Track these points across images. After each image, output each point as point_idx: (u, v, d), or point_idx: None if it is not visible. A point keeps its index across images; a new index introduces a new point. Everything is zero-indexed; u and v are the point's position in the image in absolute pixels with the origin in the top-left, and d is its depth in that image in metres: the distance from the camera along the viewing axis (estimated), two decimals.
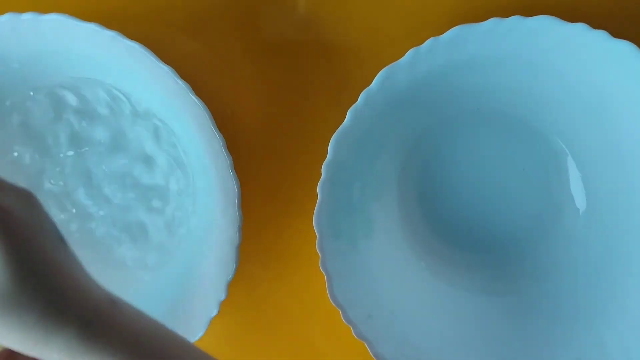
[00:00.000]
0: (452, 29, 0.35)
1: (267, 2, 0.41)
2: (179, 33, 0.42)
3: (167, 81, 0.35)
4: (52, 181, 0.43)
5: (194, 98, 0.35)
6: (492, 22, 0.35)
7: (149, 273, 0.43)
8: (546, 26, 0.35)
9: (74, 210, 0.43)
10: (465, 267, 0.42)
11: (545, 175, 0.42)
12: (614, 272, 0.40)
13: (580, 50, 0.36)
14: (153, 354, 0.26)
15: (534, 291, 0.41)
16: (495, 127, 0.41)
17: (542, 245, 0.42)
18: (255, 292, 0.44)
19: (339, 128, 0.36)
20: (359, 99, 0.36)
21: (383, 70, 0.36)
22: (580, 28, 0.35)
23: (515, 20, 0.35)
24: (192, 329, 0.38)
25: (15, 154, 0.43)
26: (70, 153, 0.43)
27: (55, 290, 0.24)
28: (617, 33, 0.35)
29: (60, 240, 0.26)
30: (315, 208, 0.37)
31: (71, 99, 0.41)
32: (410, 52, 0.35)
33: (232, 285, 0.37)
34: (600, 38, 0.35)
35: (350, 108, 0.36)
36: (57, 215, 0.43)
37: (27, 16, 0.36)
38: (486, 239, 0.42)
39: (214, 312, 0.38)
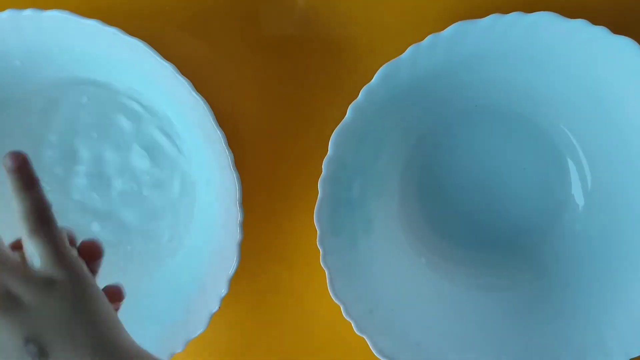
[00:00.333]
0: (453, 24, 0.35)
1: None
2: (179, 30, 0.42)
3: (168, 78, 0.35)
4: (55, 170, 0.43)
5: (194, 94, 0.35)
6: (492, 18, 0.35)
7: (150, 269, 0.43)
8: (546, 22, 0.35)
9: (75, 198, 0.43)
10: (465, 263, 0.42)
11: (546, 171, 0.42)
12: (614, 268, 0.40)
13: (581, 46, 0.36)
14: None
15: (534, 287, 0.42)
16: (495, 122, 0.41)
17: (542, 242, 0.42)
18: (256, 288, 0.44)
19: (340, 124, 0.36)
20: (359, 95, 0.36)
21: (384, 66, 0.36)
22: (580, 24, 0.35)
23: (515, 16, 0.35)
24: (194, 325, 0.39)
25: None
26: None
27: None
28: (617, 29, 0.35)
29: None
30: (316, 204, 0.37)
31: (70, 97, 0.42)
32: (410, 48, 0.35)
33: (233, 281, 0.38)
34: (600, 34, 0.35)
35: (351, 104, 0.36)
36: (63, 202, 0.43)
37: (28, 12, 0.36)
38: (486, 235, 0.42)
39: (215, 308, 0.38)
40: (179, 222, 0.43)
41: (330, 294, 0.37)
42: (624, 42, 0.35)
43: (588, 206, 0.41)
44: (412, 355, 0.39)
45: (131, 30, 0.35)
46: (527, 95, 0.40)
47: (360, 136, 0.38)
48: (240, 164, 0.37)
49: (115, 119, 0.42)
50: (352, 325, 0.38)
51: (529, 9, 0.35)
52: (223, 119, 0.36)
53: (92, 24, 0.35)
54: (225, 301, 0.38)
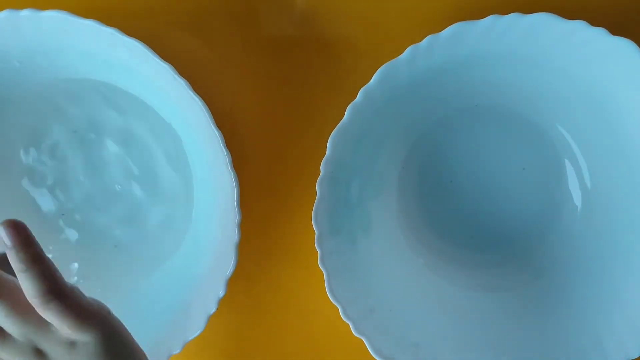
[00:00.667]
0: (451, 25, 0.35)
1: None
2: (177, 30, 0.42)
3: (166, 78, 0.35)
4: (55, 170, 0.43)
5: (192, 95, 0.35)
6: (491, 19, 0.35)
7: (148, 271, 0.43)
8: (545, 23, 0.35)
9: (76, 201, 0.43)
10: (463, 264, 0.42)
11: (544, 171, 0.42)
12: (612, 269, 0.40)
13: (580, 47, 0.36)
14: None
15: (532, 288, 0.42)
16: (494, 123, 0.41)
17: (540, 242, 0.42)
18: (254, 289, 0.44)
19: (338, 125, 0.36)
20: (357, 96, 0.36)
21: (382, 67, 0.36)
22: (579, 25, 0.35)
23: (514, 17, 0.35)
24: (191, 326, 0.38)
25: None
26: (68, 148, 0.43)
27: None
28: (616, 30, 0.35)
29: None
30: (314, 205, 0.37)
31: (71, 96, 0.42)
32: (409, 49, 0.35)
33: (231, 282, 0.37)
34: (599, 35, 0.35)
35: (349, 105, 0.36)
36: (63, 203, 0.43)
37: (26, 13, 0.36)
38: (485, 236, 0.42)
39: (213, 309, 0.38)
40: (176, 223, 0.43)
41: (328, 296, 0.37)
42: (622, 43, 0.35)
43: (586, 207, 0.41)
44: (410, 356, 0.39)
45: (129, 30, 0.35)
46: (526, 96, 0.40)
47: (359, 137, 0.38)
48: (238, 164, 0.37)
49: (113, 119, 0.42)
50: (350, 326, 0.38)
51: (528, 9, 0.35)
52: (221, 120, 0.36)
53: (90, 24, 0.35)
54: (222, 302, 0.38)
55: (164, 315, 0.40)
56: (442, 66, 0.37)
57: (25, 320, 0.28)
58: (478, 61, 0.37)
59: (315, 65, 0.41)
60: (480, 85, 0.39)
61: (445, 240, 0.42)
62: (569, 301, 0.40)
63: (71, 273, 0.43)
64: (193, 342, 0.39)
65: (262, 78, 0.42)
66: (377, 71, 0.36)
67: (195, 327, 0.38)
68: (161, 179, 0.43)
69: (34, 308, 0.28)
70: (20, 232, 0.27)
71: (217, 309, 0.38)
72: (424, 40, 0.35)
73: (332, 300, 0.37)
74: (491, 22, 0.35)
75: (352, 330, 0.38)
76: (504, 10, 0.35)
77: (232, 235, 0.37)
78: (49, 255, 0.29)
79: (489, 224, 0.42)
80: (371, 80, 0.36)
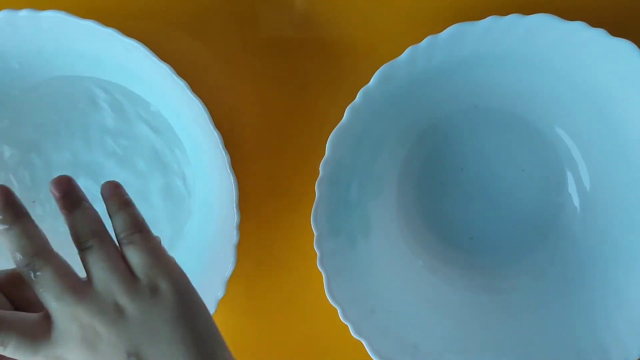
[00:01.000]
0: (451, 26, 0.35)
1: (265, 0, 0.41)
2: (176, 30, 0.41)
3: (165, 78, 0.35)
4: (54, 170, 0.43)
5: (191, 95, 0.35)
6: (490, 19, 0.35)
7: None
8: (545, 24, 0.35)
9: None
10: (463, 265, 0.42)
11: (544, 173, 0.42)
12: (612, 270, 0.40)
13: (579, 48, 0.36)
14: None
15: (532, 290, 0.41)
16: (493, 124, 0.41)
17: (540, 244, 0.42)
18: (253, 290, 0.44)
19: (337, 126, 0.36)
20: (357, 97, 0.36)
21: (381, 68, 0.36)
22: (578, 26, 0.35)
23: (513, 18, 0.35)
24: None
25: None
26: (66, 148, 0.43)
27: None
28: (615, 31, 0.35)
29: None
30: (313, 206, 0.37)
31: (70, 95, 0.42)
32: (408, 50, 0.35)
33: (230, 283, 0.37)
34: (598, 36, 0.35)
35: (349, 106, 0.36)
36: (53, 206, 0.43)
37: (24, 13, 0.36)
38: (484, 237, 0.42)
39: (212, 310, 0.38)
40: (175, 224, 0.43)
41: (327, 297, 0.37)
42: (622, 45, 0.35)
43: (586, 208, 0.41)
44: (409, 358, 0.39)
45: (128, 31, 0.35)
46: (525, 97, 0.40)
47: (358, 138, 0.38)
48: (237, 165, 0.37)
49: (113, 119, 0.42)
50: (350, 328, 0.38)
51: (527, 10, 0.35)
52: (220, 120, 0.36)
53: (89, 25, 0.35)
54: (222, 303, 0.38)
55: None
56: (442, 67, 0.37)
57: (115, 267, 0.28)
58: (477, 62, 0.37)
59: (314, 66, 0.41)
60: (480, 86, 0.39)
61: (444, 242, 0.42)
62: (569, 302, 0.40)
63: None
64: None
65: (261, 79, 0.42)
66: (377, 72, 0.36)
67: None
68: (159, 178, 0.42)
69: (118, 257, 0.29)
70: (113, 185, 0.30)
71: (217, 309, 0.38)
72: (424, 41, 0.35)
73: (331, 301, 0.37)
74: (491, 23, 0.35)
75: (350, 331, 0.38)
76: (504, 11, 0.35)
77: (231, 236, 0.36)
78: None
79: (488, 225, 0.42)
80: (371, 81, 0.36)
